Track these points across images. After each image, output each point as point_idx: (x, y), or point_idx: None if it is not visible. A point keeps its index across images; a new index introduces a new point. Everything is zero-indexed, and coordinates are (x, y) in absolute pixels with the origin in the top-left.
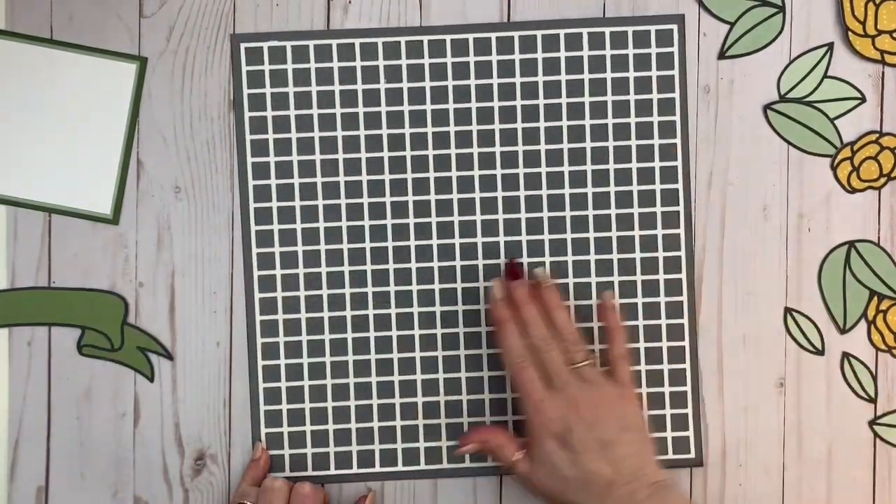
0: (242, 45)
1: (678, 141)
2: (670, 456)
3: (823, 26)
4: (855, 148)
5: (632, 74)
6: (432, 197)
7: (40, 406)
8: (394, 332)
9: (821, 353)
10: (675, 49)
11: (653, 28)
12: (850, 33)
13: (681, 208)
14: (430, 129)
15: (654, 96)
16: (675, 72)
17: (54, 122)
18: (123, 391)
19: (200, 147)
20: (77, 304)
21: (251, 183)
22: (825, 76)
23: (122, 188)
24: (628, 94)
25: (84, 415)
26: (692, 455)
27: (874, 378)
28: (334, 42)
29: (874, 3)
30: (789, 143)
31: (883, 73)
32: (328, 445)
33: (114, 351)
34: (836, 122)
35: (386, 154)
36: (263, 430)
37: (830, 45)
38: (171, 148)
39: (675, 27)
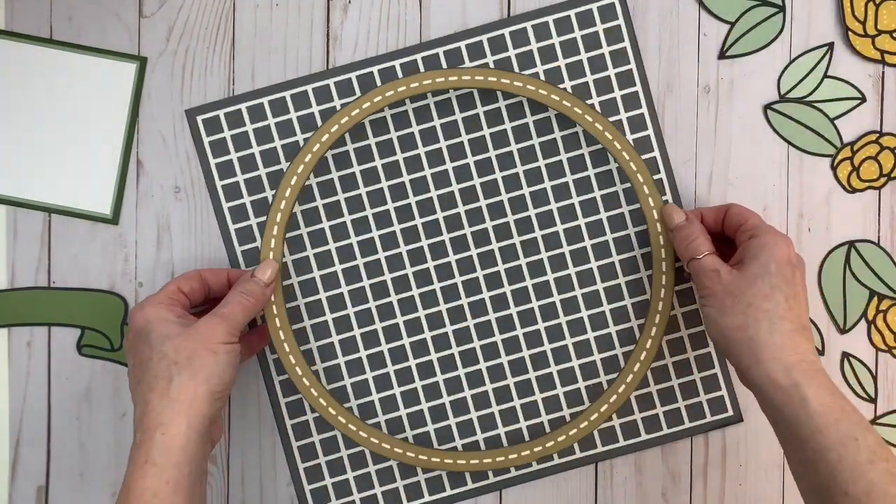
0: (199, 118)
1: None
2: (709, 418)
3: (823, 26)
4: (855, 148)
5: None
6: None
7: (40, 406)
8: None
9: (821, 353)
10: (620, 21)
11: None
12: (850, 33)
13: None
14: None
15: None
16: (627, 44)
17: (54, 122)
18: (123, 391)
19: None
20: (77, 304)
21: (236, 248)
22: (825, 76)
23: (122, 188)
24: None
25: (84, 415)
26: (730, 413)
27: (874, 378)
28: (287, 94)
29: (874, 3)
30: (789, 143)
31: (883, 73)
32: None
33: (114, 351)
34: (836, 122)
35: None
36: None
37: (830, 45)
38: (170, 148)
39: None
